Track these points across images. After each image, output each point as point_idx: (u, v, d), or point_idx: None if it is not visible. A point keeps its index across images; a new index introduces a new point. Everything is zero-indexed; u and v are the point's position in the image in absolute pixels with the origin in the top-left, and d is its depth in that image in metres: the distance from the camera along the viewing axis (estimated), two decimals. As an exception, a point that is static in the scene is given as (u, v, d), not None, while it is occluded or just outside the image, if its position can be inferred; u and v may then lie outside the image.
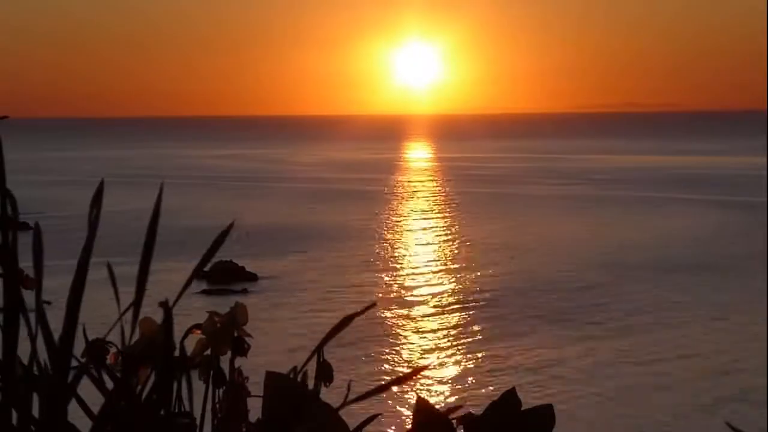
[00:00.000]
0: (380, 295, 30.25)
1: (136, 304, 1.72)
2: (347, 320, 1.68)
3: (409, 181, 77.24)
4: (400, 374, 1.65)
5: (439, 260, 38.10)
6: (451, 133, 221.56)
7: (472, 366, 23.02)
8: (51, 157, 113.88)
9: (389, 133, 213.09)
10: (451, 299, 30.51)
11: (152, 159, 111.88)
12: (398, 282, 33.12)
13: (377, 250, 39.65)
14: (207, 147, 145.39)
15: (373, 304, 1.74)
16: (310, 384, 2.18)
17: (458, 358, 23.87)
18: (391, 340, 25.07)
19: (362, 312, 1.66)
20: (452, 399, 19.84)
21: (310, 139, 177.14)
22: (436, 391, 20.73)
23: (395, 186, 72.51)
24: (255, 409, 2.21)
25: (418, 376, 20.86)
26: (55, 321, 1.69)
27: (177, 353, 1.91)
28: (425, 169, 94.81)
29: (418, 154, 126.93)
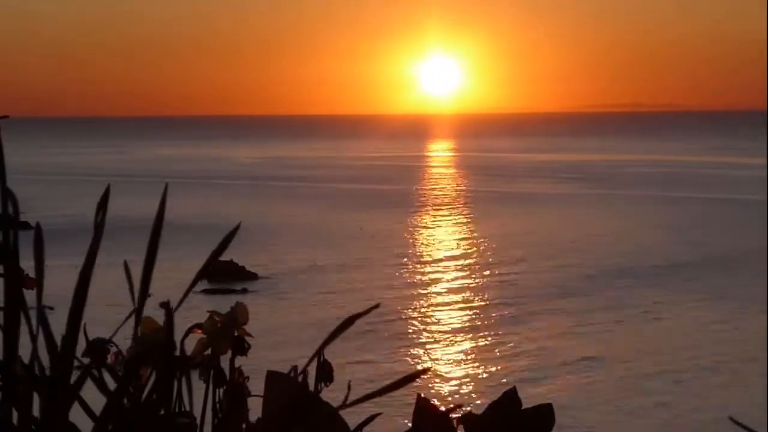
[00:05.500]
0: (382, 295, 30.24)
1: (139, 304, 1.72)
2: (350, 321, 1.68)
3: (418, 182, 77.26)
4: (400, 376, 1.65)
5: (442, 260, 38.10)
6: (466, 132, 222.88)
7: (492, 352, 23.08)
8: None
9: (407, 132, 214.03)
10: (453, 297, 30.53)
11: (198, 158, 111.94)
12: (400, 282, 33.12)
13: (379, 250, 39.66)
14: (229, 146, 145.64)
15: (376, 305, 1.74)
16: (311, 383, 2.18)
17: (466, 349, 23.92)
18: (398, 340, 25.09)
19: (365, 313, 1.66)
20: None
21: (343, 137, 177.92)
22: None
23: (402, 187, 72.53)
24: (255, 408, 2.21)
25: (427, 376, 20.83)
26: (57, 321, 1.69)
27: (177, 353, 1.91)
28: (434, 167, 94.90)
29: (427, 153, 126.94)
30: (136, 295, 1.71)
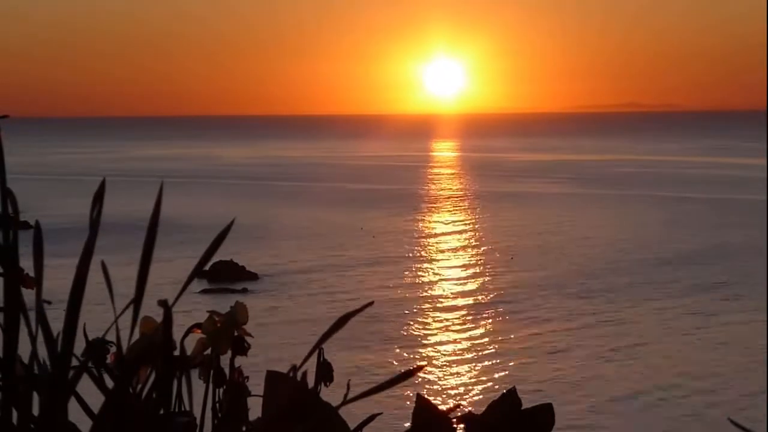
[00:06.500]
0: (380, 293, 30.23)
1: (136, 303, 1.71)
2: (345, 319, 1.68)
3: (419, 182, 77.26)
4: (399, 373, 1.65)
5: (440, 259, 38.10)
6: (469, 132, 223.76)
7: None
8: None
9: (410, 132, 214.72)
10: (451, 295, 30.54)
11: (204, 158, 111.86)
12: (400, 281, 33.12)
13: (379, 250, 39.66)
14: (239, 146, 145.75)
15: (371, 303, 1.74)
16: (311, 383, 2.18)
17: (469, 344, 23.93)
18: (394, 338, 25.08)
19: (360, 310, 1.66)
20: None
21: (346, 137, 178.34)
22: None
23: (403, 187, 72.52)
24: (255, 408, 2.21)
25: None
26: (56, 320, 1.69)
27: (177, 352, 1.91)
28: (436, 167, 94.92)
29: (430, 153, 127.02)
30: (134, 291, 1.71)
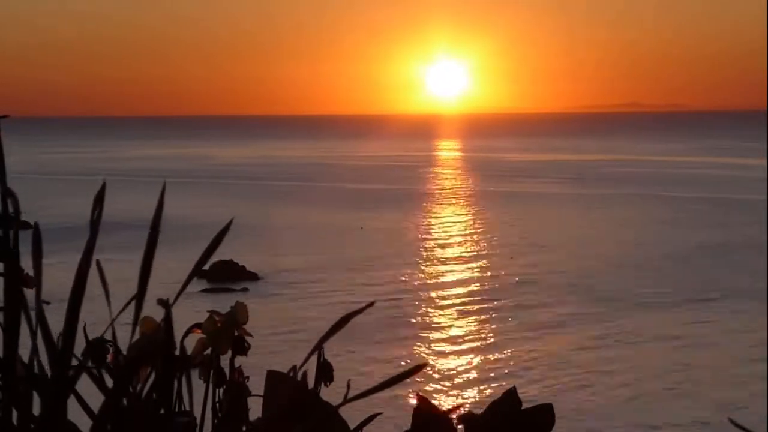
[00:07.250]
0: (381, 293, 30.22)
1: (138, 302, 1.72)
2: (345, 319, 1.68)
3: (419, 182, 77.27)
4: (400, 372, 1.65)
5: (440, 259, 38.10)
6: (470, 132, 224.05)
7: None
8: None
9: (412, 132, 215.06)
10: (450, 296, 30.54)
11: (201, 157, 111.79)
12: (399, 280, 33.12)
13: (379, 249, 39.66)
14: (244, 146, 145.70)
15: (372, 303, 1.74)
16: (311, 383, 2.18)
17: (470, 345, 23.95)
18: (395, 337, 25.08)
19: (361, 311, 1.66)
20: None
21: (348, 137, 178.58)
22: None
23: (403, 186, 72.52)
24: (255, 408, 2.21)
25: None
26: (57, 320, 1.69)
27: (177, 352, 1.91)
28: (436, 167, 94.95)
29: (430, 153, 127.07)
30: (136, 291, 1.71)
